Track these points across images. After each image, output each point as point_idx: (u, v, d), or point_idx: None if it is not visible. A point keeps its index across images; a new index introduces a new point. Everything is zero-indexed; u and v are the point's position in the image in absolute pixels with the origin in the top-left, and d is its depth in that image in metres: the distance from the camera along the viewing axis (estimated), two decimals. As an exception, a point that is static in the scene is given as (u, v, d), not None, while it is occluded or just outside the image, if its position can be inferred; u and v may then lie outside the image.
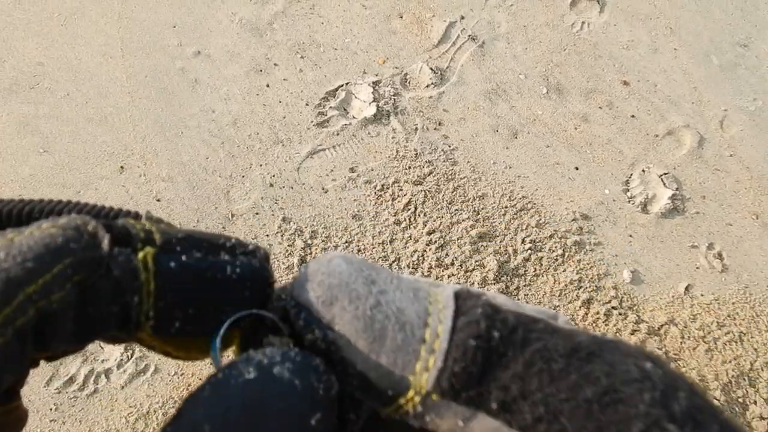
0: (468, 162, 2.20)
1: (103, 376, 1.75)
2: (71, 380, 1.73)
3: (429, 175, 2.15)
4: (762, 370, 1.89)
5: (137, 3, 2.46)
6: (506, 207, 2.12)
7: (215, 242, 0.28)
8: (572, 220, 2.12)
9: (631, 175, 2.23)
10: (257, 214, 2.04)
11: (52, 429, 1.67)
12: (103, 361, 1.77)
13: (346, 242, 2.00)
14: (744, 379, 1.87)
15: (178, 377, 1.77)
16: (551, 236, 2.07)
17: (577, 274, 2.01)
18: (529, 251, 2.03)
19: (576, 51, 2.50)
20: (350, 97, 2.30)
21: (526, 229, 2.08)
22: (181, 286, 0.27)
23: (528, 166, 2.22)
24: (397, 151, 2.19)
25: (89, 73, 2.29)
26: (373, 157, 2.18)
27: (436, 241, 2.01)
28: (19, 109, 2.18)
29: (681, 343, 1.92)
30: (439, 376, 0.25)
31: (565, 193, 2.18)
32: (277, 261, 1.94)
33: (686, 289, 2.03)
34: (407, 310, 0.27)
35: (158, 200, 2.04)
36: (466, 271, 1.97)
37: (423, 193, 2.10)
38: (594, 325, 1.92)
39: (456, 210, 2.09)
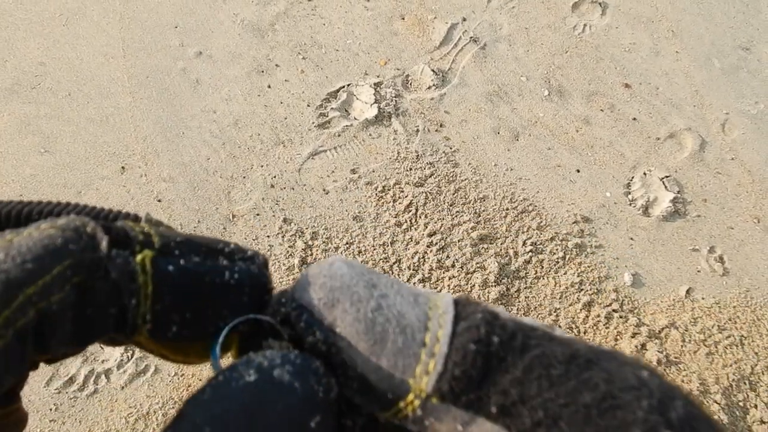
0: (469, 164, 2.20)
1: (103, 376, 1.75)
2: (71, 380, 1.73)
3: (430, 176, 2.14)
4: (763, 374, 1.88)
5: (139, 3, 2.46)
6: (507, 209, 2.11)
7: (214, 247, 0.28)
8: (573, 223, 2.12)
9: (633, 177, 2.23)
10: (258, 215, 2.04)
11: (51, 429, 1.67)
12: (103, 361, 1.77)
13: (347, 243, 2.00)
14: (745, 383, 1.87)
15: (179, 378, 1.77)
16: (552, 239, 2.07)
17: (577, 276, 2.01)
18: (530, 253, 2.03)
19: (578, 53, 2.50)
20: (352, 98, 2.30)
21: (527, 231, 2.08)
22: (178, 290, 0.27)
23: (529, 168, 2.22)
24: (399, 153, 2.19)
25: (91, 73, 2.29)
26: (375, 159, 2.17)
27: (436, 243, 2.01)
28: (20, 109, 2.18)
29: (682, 346, 1.92)
30: (439, 379, 0.25)
31: (567, 195, 2.18)
32: (278, 262, 1.94)
33: (687, 292, 2.03)
34: (408, 314, 0.27)
35: (159, 201, 2.04)
36: (467, 273, 1.96)
37: (424, 194, 2.10)
38: (594, 328, 1.92)
39: (457, 212, 2.09)
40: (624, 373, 0.24)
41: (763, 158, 2.32)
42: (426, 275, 1.96)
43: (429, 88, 2.35)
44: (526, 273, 2.00)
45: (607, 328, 1.92)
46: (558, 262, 2.03)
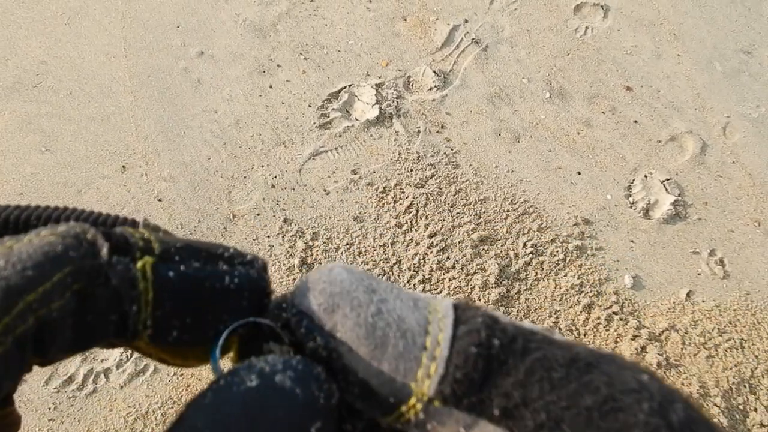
0: (470, 165, 2.20)
1: (102, 375, 1.75)
2: (70, 380, 1.72)
3: (431, 178, 2.14)
4: (763, 377, 1.88)
5: (141, 3, 2.46)
6: (508, 211, 2.11)
7: (213, 252, 0.28)
8: (574, 225, 2.11)
9: (634, 180, 2.23)
10: (259, 215, 2.04)
11: (50, 428, 1.67)
12: (102, 360, 1.77)
13: (347, 244, 2.00)
14: (745, 386, 1.86)
15: (178, 377, 1.76)
16: (553, 240, 2.07)
17: (578, 278, 2.01)
18: (531, 255, 2.03)
19: (579, 56, 2.50)
20: (353, 99, 2.30)
21: (527, 233, 2.08)
22: (179, 296, 0.27)
23: (530, 170, 2.22)
24: (400, 154, 2.19)
25: (92, 72, 2.29)
26: (375, 160, 2.17)
27: (437, 244, 2.01)
28: (21, 108, 2.18)
29: (682, 349, 1.92)
30: (441, 382, 0.25)
31: (567, 197, 2.18)
32: (278, 262, 1.94)
33: (687, 295, 2.03)
34: (408, 319, 0.27)
35: (159, 200, 2.04)
36: (467, 275, 1.96)
37: (425, 195, 2.10)
38: (595, 330, 1.92)
39: (457, 213, 2.08)
40: (624, 377, 0.24)
41: (764, 162, 2.32)
42: (426, 276, 1.96)
43: (430, 89, 2.35)
44: (526, 275, 2.00)
45: (607, 330, 1.92)
46: (558, 264, 2.03)
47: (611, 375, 0.24)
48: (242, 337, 0.30)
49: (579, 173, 2.23)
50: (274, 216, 2.04)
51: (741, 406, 1.82)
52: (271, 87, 2.31)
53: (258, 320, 0.29)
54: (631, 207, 2.18)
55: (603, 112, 2.37)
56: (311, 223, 2.03)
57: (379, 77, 2.36)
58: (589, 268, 2.04)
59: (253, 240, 1.98)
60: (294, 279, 1.91)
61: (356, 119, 2.26)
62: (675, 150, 2.32)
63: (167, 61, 2.33)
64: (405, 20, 2.52)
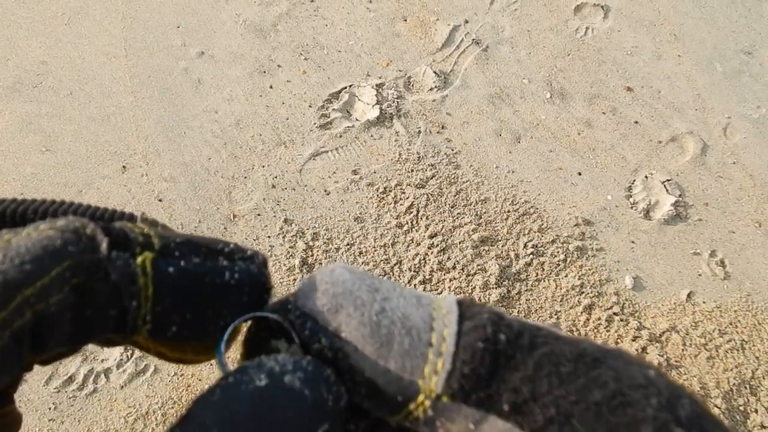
0: (471, 166, 2.20)
1: (102, 375, 1.74)
2: (70, 379, 1.72)
3: (431, 178, 2.14)
4: (763, 378, 1.88)
5: (141, 3, 2.46)
6: (508, 211, 2.11)
7: (214, 247, 0.28)
8: (574, 226, 2.11)
9: (634, 181, 2.23)
10: (259, 215, 2.03)
11: (50, 428, 1.66)
12: (102, 360, 1.76)
13: (348, 244, 2.00)
14: (745, 388, 1.86)
15: (178, 378, 1.76)
16: (553, 241, 2.07)
17: (578, 279, 2.01)
18: (531, 256, 2.03)
19: (580, 56, 2.50)
20: (353, 99, 2.30)
21: (528, 233, 2.08)
22: (179, 291, 0.27)
23: (531, 170, 2.22)
24: (400, 154, 2.19)
25: (92, 72, 2.29)
26: (376, 160, 2.17)
27: (437, 245, 2.01)
28: (21, 108, 2.18)
29: (682, 350, 1.92)
30: (449, 378, 0.25)
31: (568, 198, 2.18)
32: (279, 262, 1.94)
33: (688, 296, 2.03)
34: (412, 316, 0.27)
35: (160, 200, 2.04)
36: (468, 275, 1.96)
37: (425, 196, 2.10)
38: (595, 331, 1.92)
39: (458, 214, 2.08)
40: (631, 372, 0.25)
41: (764, 162, 2.32)
42: (427, 277, 1.95)
43: (431, 89, 2.35)
44: (527, 275, 2.00)
45: (607, 331, 1.92)
46: (559, 265, 2.03)
47: (618, 370, 0.24)
48: (249, 332, 0.30)
49: (579, 174, 2.23)
50: (275, 216, 2.04)
51: (741, 408, 1.82)
52: (271, 87, 2.31)
53: (266, 315, 0.29)
54: (631, 208, 2.18)
55: (603, 113, 2.37)
56: (312, 223, 2.03)
57: (380, 77, 2.36)
58: (589, 269, 2.03)
59: (254, 240, 1.98)
60: (294, 279, 1.91)
61: (357, 119, 2.26)
62: (676, 151, 2.32)
63: (168, 62, 2.32)
64: (405, 20, 2.52)
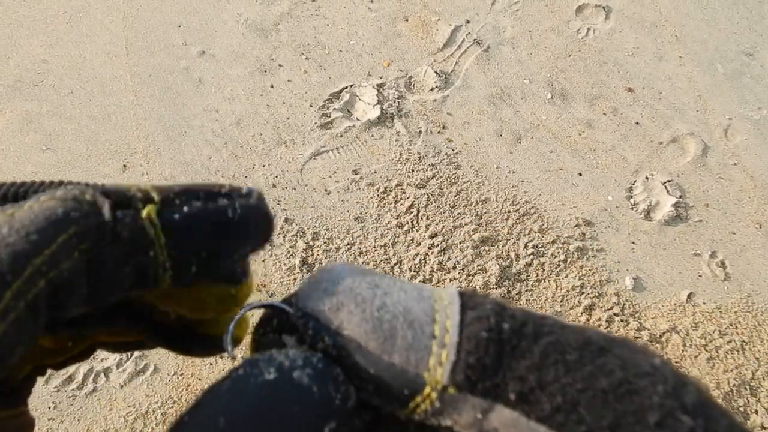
0: (471, 166, 2.20)
1: (102, 375, 1.74)
2: (70, 379, 1.72)
3: (432, 178, 2.14)
4: (763, 379, 1.88)
5: (142, 2, 2.46)
6: (509, 211, 2.11)
7: (211, 190, 0.29)
8: (575, 226, 2.11)
9: (635, 181, 2.23)
10: (259, 214, 2.03)
11: (50, 427, 1.66)
12: (102, 360, 1.76)
13: (348, 244, 2.00)
14: (745, 389, 1.86)
15: (178, 377, 1.76)
16: (554, 242, 2.07)
17: (579, 280, 2.01)
18: (532, 256, 2.03)
19: (581, 57, 2.50)
20: (354, 99, 2.30)
21: (528, 234, 2.08)
22: (188, 234, 0.28)
23: (531, 171, 2.22)
24: (401, 154, 2.19)
25: (93, 71, 2.29)
26: (377, 160, 2.17)
27: (438, 245, 2.01)
28: (22, 106, 2.18)
29: (682, 351, 1.92)
30: (454, 369, 0.25)
31: (568, 198, 2.18)
32: (279, 262, 1.94)
33: (688, 296, 2.03)
34: (414, 309, 0.27)
35: (160, 199, 2.04)
36: (468, 275, 1.96)
37: (426, 196, 2.10)
38: (596, 331, 1.92)
39: (459, 214, 2.08)
40: (637, 360, 0.25)
41: (765, 164, 2.32)
42: (427, 277, 1.95)
43: (432, 89, 2.35)
44: (527, 276, 2.00)
45: (608, 331, 1.92)
46: (559, 265, 2.03)
47: (624, 358, 0.25)
48: (260, 325, 0.30)
49: (580, 174, 2.23)
50: (275, 215, 2.03)
51: (741, 408, 1.82)
52: (272, 87, 2.31)
53: (274, 304, 0.29)
54: (632, 208, 2.18)
55: (604, 114, 2.37)
56: (312, 223, 2.03)
57: (381, 77, 2.36)
58: (590, 270, 2.03)
59: (254, 240, 1.98)
60: (294, 279, 1.91)
61: (357, 119, 2.26)
62: (676, 151, 2.32)
63: (168, 61, 2.32)
64: (407, 20, 2.52)
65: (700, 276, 2.07)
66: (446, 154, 2.21)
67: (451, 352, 0.25)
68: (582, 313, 1.94)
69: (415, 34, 2.49)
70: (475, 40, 2.49)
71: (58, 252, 0.23)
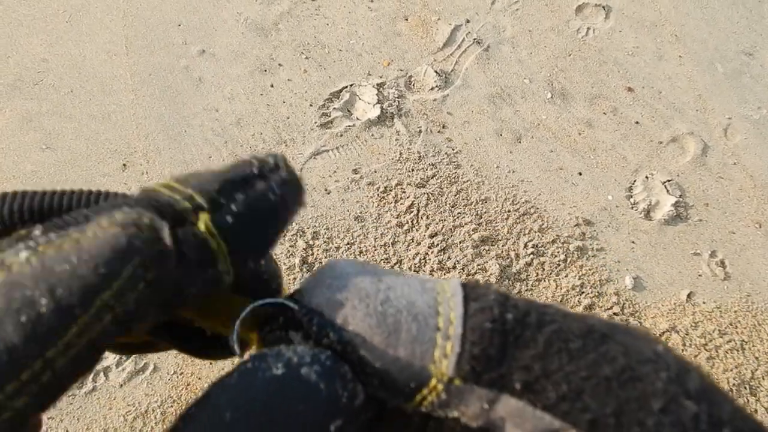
0: (471, 165, 2.20)
1: (101, 374, 1.74)
2: (70, 378, 1.72)
3: (432, 177, 2.14)
4: (763, 378, 1.88)
5: (142, 1, 2.46)
6: (509, 211, 2.11)
7: (246, 175, 0.29)
8: (575, 226, 2.11)
9: (635, 181, 2.23)
10: (259, 214, 2.03)
11: (49, 427, 1.66)
12: (102, 358, 1.76)
13: (348, 243, 2.00)
14: (745, 388, 1.86)
15: (177, 376, 1.76)
16: (554, 241, 2.07)
17: (579, 279, 2.01)
18: (532, 256, 2.03)
19: (581, 56, 2.50)
20: (354, 98, 2.30)
21: (528, 233, 2.08)
22: (245, 234, 0.28)
23: (531, 170, 2.22)
24: (401, 154, 2.18)
25: (93, 70, 2.28)
26: (377, 159, 2.17)
27: (438, 244, 2.01)
28: (22, 105, 2.18)
29: (682, 350, 1.92)
30: (459, 360, 0.25)
31: (568, 198, 2.18)
32: (279, 261, 1.94)
33: (688, 296, 2.03)
34: (417, 302, 0.27)
35: (160, 198, 2.04)
36: (468, 275, 1.96)
37: (426, 195, 2.10)
38: (595, 331, 1.92)
39: (459, 213, 2.08)
40: (640, 346, 0.25)
41: (765, 163, 2.32)
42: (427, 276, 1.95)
43: (432, 89, 2.35)
44: (527, 275, 2.00)
45: (607, 331, 1.92)
46: (559, 265, 2.03)
47: (627, 345, 0.25)
48: (265, 320, 0.30)
49: (580, 174, 2.23)
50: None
51: (741, 408, 1.82)
52: (272, 86, 2.31)
53: (283, 302, 0.29)
54: (632, 208, 2.18)
55: (604, 113, 2.37)
56: (312, 222, 2.03)
57: (381, 77, 2.36)
58: (590, 269, 2.04)
59: (254, 239, 1.98)
60: (295, 278, 1.91)
61: (357, 119, 2.25)
62: (676, 151, 2.32)
63: (168, 60, 2.32)
64: (407, 20, 2.52)
65: (699, 275, 2.08)
66: (446, 153, 2.21)
67: (455, 343, 0.26)
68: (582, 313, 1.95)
69: (415, 33, 2.49)
70: (475, 39, 2.49)
71: (124, 286, 0.23)
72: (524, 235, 2.07)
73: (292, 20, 2.48)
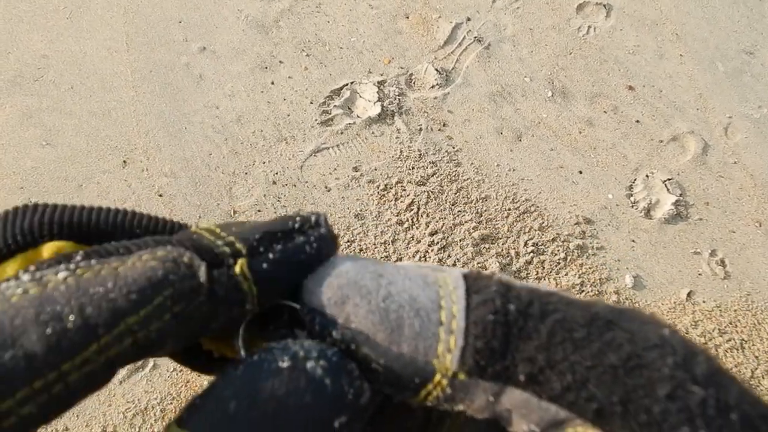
0: (471, 164, 2.20)
1: (101, 370, 1.74)
2: (69, 374, 1.72)
3: (432, 175, 2.14)
4: (763, 378, 1.88)
5: (143, -2, 2.46)
6: (509, 209, 2.11)
7: (287, 229, 0.29)
8: (575, 224, 2.11)
9: (635, 180, 2.23)
10: (260, 211, 2.03)
11: (49, 425, 1.66)
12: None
13: (348, 241, 1.99)
14: (745, 387, 1.86)
15: (177, 373, 1.76)
16: (554, 240, 2.07)
17: (579, 278, 2.01)
18: (532, 254, 2.03)
19: (582, 55, 2.50)
20: (355, 96, 2.30)
21: (528, 231, 2.08)
22: (276, 281, 0.28)
23: (532, 169, 2.22)
24: (401, 151, 2.18)
25: (93, 66, 2.28)
26: (377, 157, 2.17)
27: (438, 242, 2.00)
28: (22, 101, 2.17)
29: (682, 349, 1.92)
30: (462, 354, 0.25)
31: (569, 196, 2.17)
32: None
33: (688, 295, 2.03)
34: (419, 297, 0.27)
35: (160, 195, 2.04)
36: (468, 273, 1.96)
37: (426, 193, 2.10)
38: (595, 329, 1.92)
39: (459, 211, 2.08)
40: (646, 332, 0.25)
41: (765, 162, 2.32)
42: (427, 274, 1.96)
43: (432, 87, 2.35)
44: (527, 274, 2.00)
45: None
46: (559, 263, 2.03)
47: (633, 331, 0.25)
48: (270, 320, 0.31)
49: (580, 172, 2.23)
50: (275, 212, 2.03)
51: (741, 407, 1.82)
52: (273, 83, 2.31)
53: (282, 302, 0.29)
54: (632, 206, 2.18)
55: (605, 112, 2.37)
56: (312, 219, 2.03)
57: (381, 74, 2.35)
58: (590, 268, 2.03)
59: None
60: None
61: (358, 116, 2.25)
62: (677, 150, 2.32)
63: (169, 57, 2.32)
64: (407, 18, 2.52)
65: (699, 274, 2.08)
66: (447, 151, 2.21)
67: (459, 337, 0.25)
68: (582, 311, 1.95)
69: (415, 31, 2.49)
70: (475, 37, 2.49)
71: (151, 313, 0.23)
72: (524, 233, 2.07)
73: (292, 17, 2.47)
